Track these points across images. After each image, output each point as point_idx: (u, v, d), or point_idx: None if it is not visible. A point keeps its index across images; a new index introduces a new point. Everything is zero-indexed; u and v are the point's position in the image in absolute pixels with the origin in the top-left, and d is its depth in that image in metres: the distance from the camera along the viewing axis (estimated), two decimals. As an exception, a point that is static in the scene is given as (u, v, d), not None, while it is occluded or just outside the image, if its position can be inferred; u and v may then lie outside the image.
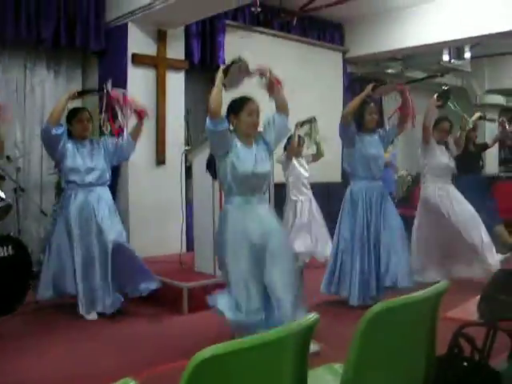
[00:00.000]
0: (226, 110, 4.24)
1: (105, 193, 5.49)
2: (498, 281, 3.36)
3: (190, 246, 6.51)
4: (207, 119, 4.05)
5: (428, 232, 6.47)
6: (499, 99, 13.81)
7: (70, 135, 5.40)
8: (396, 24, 9.23)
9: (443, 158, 6.57)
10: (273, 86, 4.38)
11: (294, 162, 7.45)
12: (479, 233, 6.44)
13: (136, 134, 5.68)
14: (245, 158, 4.07)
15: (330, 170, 9.23)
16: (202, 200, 5.97)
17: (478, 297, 3.41)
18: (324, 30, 9.96)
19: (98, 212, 5.30)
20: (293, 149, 7.30)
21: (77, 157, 5.34)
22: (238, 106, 4.20)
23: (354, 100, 5.59)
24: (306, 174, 7.58)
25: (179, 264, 6.06)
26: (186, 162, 6.48)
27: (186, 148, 6.61)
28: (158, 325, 5.09)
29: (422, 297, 1.96)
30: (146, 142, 6.75)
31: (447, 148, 6.66)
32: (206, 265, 5.82)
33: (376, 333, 1.77)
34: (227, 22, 8.23)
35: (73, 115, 5.45)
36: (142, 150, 6.36)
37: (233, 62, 4.28)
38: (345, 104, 9.76)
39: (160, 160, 7.02)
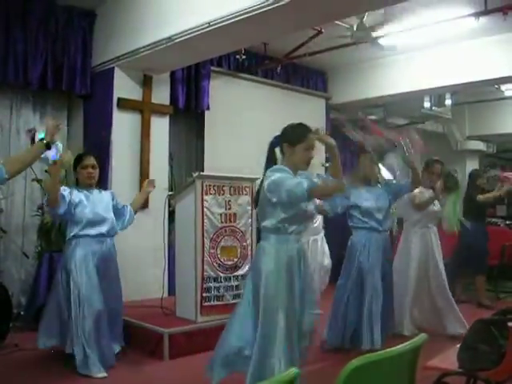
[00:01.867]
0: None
1: (112, 245, 5.32)
2: (477, 330, 3.38)
3: (171, 290, 6.49)
4: (306, 190, 3.60)
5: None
6: (479, 145, 14.00)
7: (77, 183, 5.30)
8: (378, 72, 9.39)
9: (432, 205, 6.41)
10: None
11: None
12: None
13: (138, 204, 5.73)
14: None
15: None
16: (184, 244, 5.97)
17: (458, 346, 3.44)
18: (308, 77, 10.10)
19: (106, 267, 5.15)
20: None
21: (84, 207, 5.09)
22: (298, 136, 3.89)
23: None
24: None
25: (160, 309, 6.02)
26: (169, 207, 6.49)
27: (170, 193, 6.63)
28: (138, 371, 5.04)
29: (400, 351, 1.98)
30: (129, 185, 6.80)
31: (435, 192, 6.37)
32: (188, 310, 5.79)
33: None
34: (212, 68, 8.32)
35: (77, 161, 5.28)
36: (126, 193, 6.36)
37: None
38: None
39: (143, 204, 7.02)
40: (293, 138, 3.90)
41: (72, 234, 5.09)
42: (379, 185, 5.73)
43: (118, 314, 5.30)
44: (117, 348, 5.21)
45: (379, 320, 5.26)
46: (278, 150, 4.02)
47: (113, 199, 5.43)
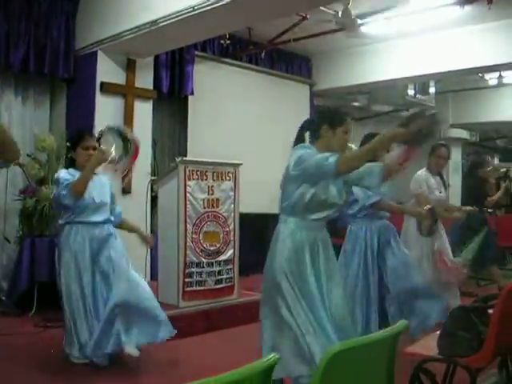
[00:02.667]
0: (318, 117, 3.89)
1: (113, 232, 4.81)
2: (456, 317, 3.40)
3: (154, 275, 6.48)
4: (334, 164, 3.36)
5: None
6: (463, 133, 14.07)
7: (73, 164, 4.73)
8: (362, 59, 9.39)
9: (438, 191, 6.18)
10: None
11: None
12: None
13: (127, 226, 5.17)
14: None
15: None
16: (166, 230, 5.97)
17: (438, 332, 3.46)
18: (292, 63, 10.08)
19: (103, 254, 4.66)
20: None
21: (90, 192, 4.59)
22: (339, 119, 3.69)
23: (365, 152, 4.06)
24: None
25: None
26: (151, 192, 6.48)
27: (153, 178, 6.61)
28: (119, 356, 5.02)
29: (380, 337, 1.99)
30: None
31: (442, 178, 6.27)
32: (170, 295, 5.79)
33: (335, 374, 1.78)
34: (196, 52, 8.29)
35: (78, 140, 4.71)
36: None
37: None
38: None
39: (126, 189, 6.99)
40: (334, 119, 3.69)
41: (67, 221, 4.63)
42: None
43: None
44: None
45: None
46: (307, 135, 3.86)
47: (111, 187, 4.94)
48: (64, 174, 4.55)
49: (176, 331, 4.70)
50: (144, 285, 4.71)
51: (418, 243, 5.98)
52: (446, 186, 6.34)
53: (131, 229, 5.17)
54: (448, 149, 6.32)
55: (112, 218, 4.83)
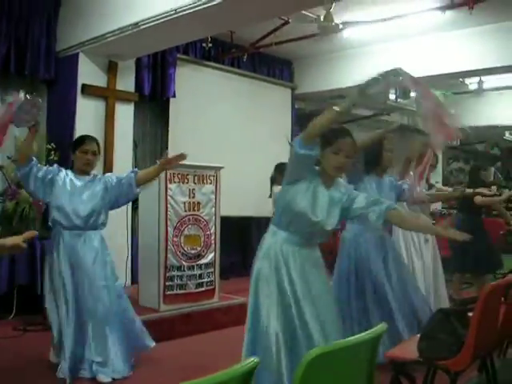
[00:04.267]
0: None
1: (95, 239, 4.64)
2: (436, 320, 3.42)
3: (135, 278, 6.45)
4: (298, 140, 3.32)
5: None
6: (443, 138, 14.14)
7: (72, 167, 4.73)
8: (344, 63, 9.42)
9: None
10: None
11: None
12: None
13: (145, 178, 4.80)
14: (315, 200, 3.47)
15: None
16: (147, 232, 5.94)
17: (418, 335, 3.48)
18: (274, 67, 10.11)
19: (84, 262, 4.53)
20: None
21: (64, 192, 4.54)
22: (328, 138, 3.49)
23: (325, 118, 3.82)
24: None
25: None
26: (133, 194, 6.44)
27: (134, 180, 6.57)
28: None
29: (360, 340, 2.00)
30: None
31: (427, 182, 6.31)
32: (151, 299, 5.77)
33: (315, 377, 1.78)
34: (178, 55, 8.28)
35: (77, 144, 4.71)
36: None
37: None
38: (293, 139, 9.89)
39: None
40: (323, 140, 3.47)
41: (51, 221, 4.64)
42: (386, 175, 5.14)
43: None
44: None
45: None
46: None
47: (107, 187, 4.71)
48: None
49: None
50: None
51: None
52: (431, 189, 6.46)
53: (152, 173, 4.84)
54: (436, 156, 6.28)
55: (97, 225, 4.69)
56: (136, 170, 4.87)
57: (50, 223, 4.68)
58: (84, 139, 4.74)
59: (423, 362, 3.36)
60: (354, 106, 3.47)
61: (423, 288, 5.73)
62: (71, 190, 4.57)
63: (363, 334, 2.05)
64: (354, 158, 3.55)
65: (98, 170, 6.64)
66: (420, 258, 6.15)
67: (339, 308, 4.12)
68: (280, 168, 6.76)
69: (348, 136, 3.52)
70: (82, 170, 4.67)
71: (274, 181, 7.30)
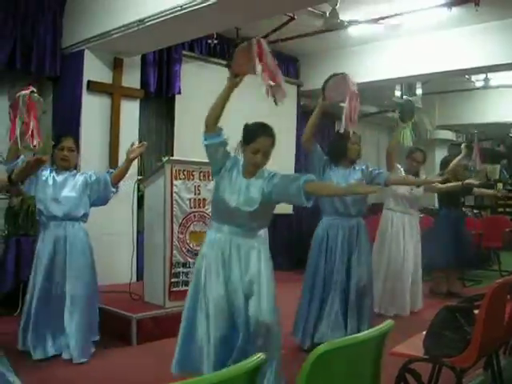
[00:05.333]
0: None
1: (76, 230, 4.99)
2: (442, 317, 3.41)
3: (140, 275, 6.45)
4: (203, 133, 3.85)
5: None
6: (449, 135, 14.16)
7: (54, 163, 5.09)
8: (350, 59, 9.39)
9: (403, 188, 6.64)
10: None
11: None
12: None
13: (119, 176, 5.17)
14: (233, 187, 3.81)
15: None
16: (153, 229, 5.95)
17: (424, 333, 3.47)
18: (279, 64, 10.00)
19: (69, 253, 4.91)
20: None
21: (46, 186, 4.92)
22: (248, 137, 3.84)
23: (309, 120, 5.18)
24: None
25: (129, 294, 5.98)
26: (138, 191, 6.45)
27: (139, 177, 6.59)
28: (106, 355, 5.00)
29: (367, 337, 1.99)
30: (98, 169, 6.72)
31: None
32: (156, 295, 5.78)
33: (321, 374, 1.78)
34: (184, 52, 8.28)
35: (56, 142, 5.06)
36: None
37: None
38: (298, 136, 9.88)
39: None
40: (244, 136, 3.89)
41: (37, 214, 5.08)
42: (355, 166, 5.37)
43: (86, 303, 4.97)
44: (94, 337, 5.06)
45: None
46: None
47: (87, 182, 5.08)
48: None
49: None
50: None
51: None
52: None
53: (122, 170, 5.22)
54: (424, 153, 6.86)
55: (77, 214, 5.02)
56: (111, 170, 5.33)
57: (36, 216, 5.11)
58: (61, 137, 5.11)
59: (429, 359, 3.36)
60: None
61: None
62: (53, 184, 4.95)
63: (370, 330, 2.05)
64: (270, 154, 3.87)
65: (103, 165, 6.72)
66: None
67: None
68: None
69: (267, 136, 3.85)
70: (62, 166, 5.03)
71: None
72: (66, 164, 5.04)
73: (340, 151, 5.30)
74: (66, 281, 4.86)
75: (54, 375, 4.47)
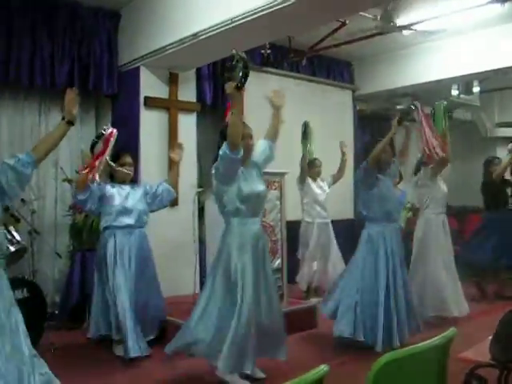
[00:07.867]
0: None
1: (142, 235, 5.59)
2: (507, 322, 3.35)
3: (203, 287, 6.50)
4: (226, 149, 4.35)
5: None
6: (509, 132, 13.82)
7: (112, 179, 5.61)
8: (404, 61, 9.34)
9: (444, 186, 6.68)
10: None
11: (310, 182, 7.50)
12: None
13: (173, 181, 5.87)
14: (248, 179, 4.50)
15: (343, 206, 9.30)
16: (214, 241, 5.97)
17: (490, 337, 3.42)
18: (333, 69, 10.07)
19: (137, 257, 5.46)
20: (304, 170, 7.45)
21: (113, 199, 5.42)
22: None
23: (382, 142, 5.42)
24: (323, 196, 7.61)
25: (192, 305, 6.01)
26: (198, 203, 6.52)
27: (199, 189, 6.66)
28: (169, 362, 5.00)
29: (430, 345, 1.98)
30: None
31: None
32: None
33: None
34: (237, 63, 8.32)
35: (115, 159, 5.55)
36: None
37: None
38: (356, 141, 9.82)
39: (173, 201, 7.05)
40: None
41: (104, 226, 5.47)
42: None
43: (147, 305, 5.51)
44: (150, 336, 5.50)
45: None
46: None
47: (146, 191, 5.68)
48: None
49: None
50: None
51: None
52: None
53: (173, 175, 5.95)
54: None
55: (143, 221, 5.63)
56: (165, 179, 5.91)
57: (102, 227, 5.52)
58: (119, 154, 5.60)
59: (496, 364, 3.31)
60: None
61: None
62: (119, 197, 5.46)
63: (434, 339, 2.03)
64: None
65: (163, 178, 6.82)
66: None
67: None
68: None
69: (245, 125, 4.66)
70: (123, 180, 5.58)
71: None
72: (128, 178, 5.61)
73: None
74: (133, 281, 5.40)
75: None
